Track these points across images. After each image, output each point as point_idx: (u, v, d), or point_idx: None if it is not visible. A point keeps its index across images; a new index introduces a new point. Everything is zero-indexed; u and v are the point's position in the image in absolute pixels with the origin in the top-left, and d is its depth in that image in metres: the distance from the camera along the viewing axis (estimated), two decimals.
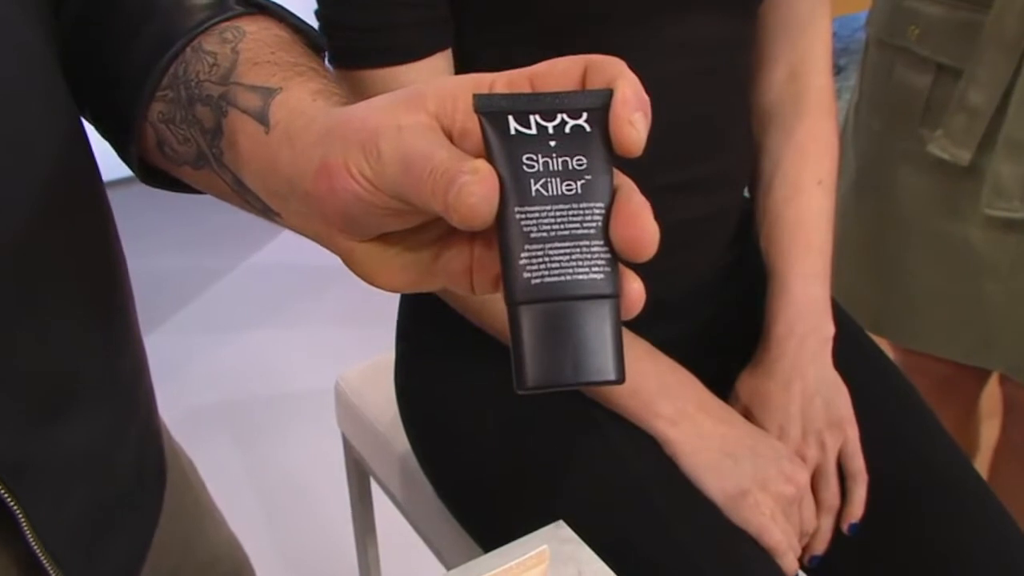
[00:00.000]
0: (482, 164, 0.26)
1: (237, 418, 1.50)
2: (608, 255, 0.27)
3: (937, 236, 0.86)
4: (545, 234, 0.27)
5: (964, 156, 0.80)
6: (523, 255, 0.27)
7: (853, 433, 0.65)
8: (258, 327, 1.70)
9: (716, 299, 0.71)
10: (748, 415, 0.66)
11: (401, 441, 0.77)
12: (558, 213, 0.27)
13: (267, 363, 1.61)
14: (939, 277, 0.88)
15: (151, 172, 0.40)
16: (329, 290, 1.75)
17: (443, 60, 0.57)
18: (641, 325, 0.63)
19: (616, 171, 0.28)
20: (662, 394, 0.61)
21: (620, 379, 0.27)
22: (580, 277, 0.27)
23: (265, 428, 1.48)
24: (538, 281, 0.27)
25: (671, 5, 0.58)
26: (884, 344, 0.97)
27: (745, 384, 0.67)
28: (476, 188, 0.26)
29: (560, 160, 0.27)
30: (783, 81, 0.70)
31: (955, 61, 0.80)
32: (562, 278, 0.27)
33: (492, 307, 0.61)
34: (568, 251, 0.27)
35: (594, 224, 0.27)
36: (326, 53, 0.44)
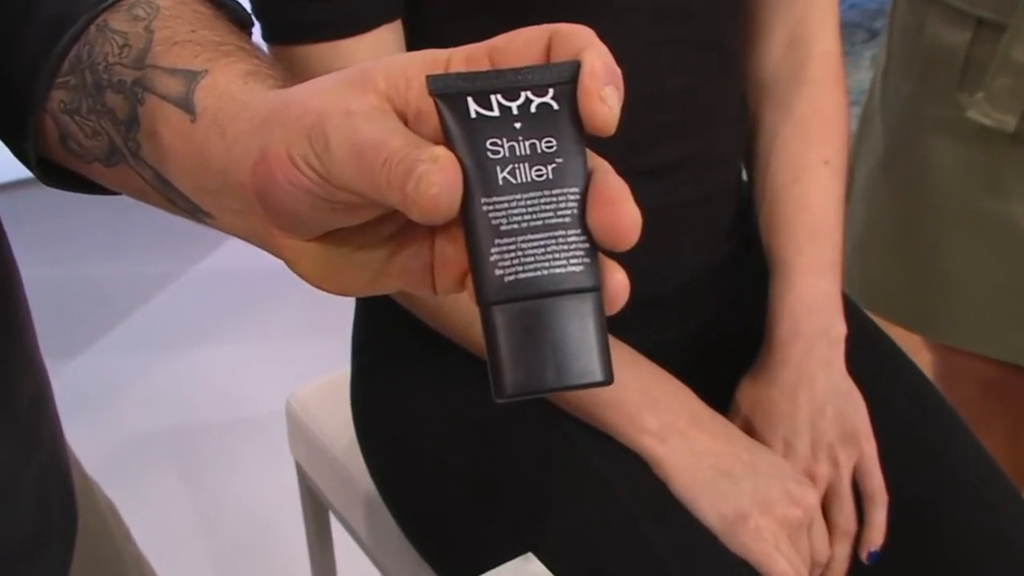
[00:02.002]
0: (442, 151, 0.27)
1: (184, 446, 1.51)
2: (586, 245, 0.28)
3: (979, 217, 0.87)
4: (516, 226, 0.28)
5: (1009, 122, 0.81)
6: (493, 250, 0.28)
7: (870, 448, 0.66)
8: (207, 342, 1.72)
9: (712, 297, 0.72)
10: (750, 429, 0.67)
11: (361, 468, 0.78)
12: (529, 202, 0.28)
13: (218, 383, 1.63)
14: (982, 264, 0.88)
15: (53, 171, 0.40)
16: (288, 298, 1.77)
17: (391, 33, 0.58)
18: (627, 327, 0.64)
19: (590, 152, 0.28)
20: (648, 406, 0.63)
21: (608, 379, 0.28)
22: (557, 271, 0.27)
23: (216, 457, 1.49)
24: (512, 278, 0.27)
25: None
26: (919, 344, 0.98)
27: (746, 394, 0.68)
28: (436, 178, 0.26)
29: (527, 143, 0.28)
30: (781, 48, 0.71)
31: (997, 14, 0.80)
32: (537, 273, 0.27)
33: (451, 307, 0.63)
34: (542, 243, 0.28)
35: (569, 212, 0.28)
36: (256, 29, 0.45)
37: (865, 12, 2.41)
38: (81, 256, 1.92)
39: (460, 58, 0.29)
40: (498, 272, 0.28)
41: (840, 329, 0.68)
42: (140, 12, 0.37)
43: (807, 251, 0.68)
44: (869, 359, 0.70)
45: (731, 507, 0.61)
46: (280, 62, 0.58)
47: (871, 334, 0.73)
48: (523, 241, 0.28)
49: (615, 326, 0.67)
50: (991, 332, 0.90)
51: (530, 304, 0.28)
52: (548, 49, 0.29)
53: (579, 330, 0.28)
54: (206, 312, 1.79)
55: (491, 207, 0.28)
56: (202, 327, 1.75)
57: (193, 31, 0.36)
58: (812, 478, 0.65)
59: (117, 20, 0.37)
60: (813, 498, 0.63)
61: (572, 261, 0.28)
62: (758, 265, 0.71)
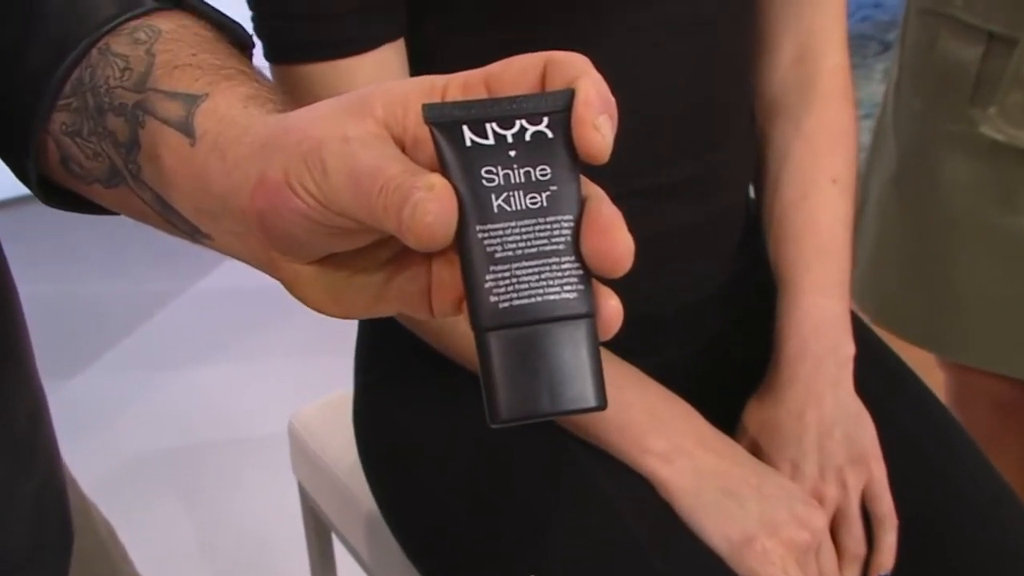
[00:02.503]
0: (437, 179, 0.28)
1: (185, 466, 1.52)
2: (580, 272, 0.29)
3: (992, 232, 0.87)
4: (511, 253, 0.28)
5: (1022, 137, 0.81)
6: (488, 277, 0.28)
7: (879, 470, 0.66)
8: (209, 361, 1.73)
9: (719, 317, 0.73)
10: (756, 450, 0.68)
11: (364, 488, 0.79)
12: (523, 229, 0.29)
13: (219, 402, 1.64)
14: (996, 281, 0.89)
15: (54, 191, 0.41)
16: (289, 316, 1.77)
17: (393, 52, 0.59)
18: (632, 348, 0.65)
19: (584, 180, 0.29)
20: (653, 428, 0.63)
21: (602, 405, 0.29)
22: (551, 297, 0.28)
23: (217, 477, 1.50)
24: (506, 305, 0.28)
25: None
26: (932, 363, 0.98)
27: (753, 414, 0.69)
28: (432, 206, 0.27)
29: (522, 171, 0.29)
30: (789, 63, 0.72)
31: (1009, 29, 0.81)
32: (532, 300, 0.28)
33: (453, 329, 0.64)
34: (537, 270, 0.29)
35: (563, 239, 0.29)
36: (257, 49, 0.47)
37: (877, 24, 2.42)
38: (81, 274, 1.94)
39: (457, 84, 0.30)
40: (493, 299, 0.29)
41: (848, 349, 0.68)
42: (142, 35, 0.38)
43: (815, 270, 0.69)
44: (878, 379, 0.71)
45: (737, 530, 0.61)
46: (282, 82, 0.59)
47: (880, 353, 0.74)
48: (517, 268, 0.29)
49: (620, 347, 0.68)
50: (1005, 350, 0.91)
51: (525, 330, 0.28)
52: (543, 77, 0.30)
53: (573, 356, 0.29)
54: (207, 331, 1.80)
55: (486, 234, 0.29)
56: (203, 346, 1.76)
57: (194, 54, 0.37)
58: (820, 500, 0.65)
59: (119, 43, 0.38)
60: (821, 521, 0.63)
61: (566, 288, 0.29)
62: (766, 283, 0.72)
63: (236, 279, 1.89)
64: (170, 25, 0.38)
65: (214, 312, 1.84)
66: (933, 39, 0.87)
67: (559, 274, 0.29)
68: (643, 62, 0.60)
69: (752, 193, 0.75)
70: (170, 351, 1.76)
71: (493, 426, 0.29)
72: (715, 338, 0.73)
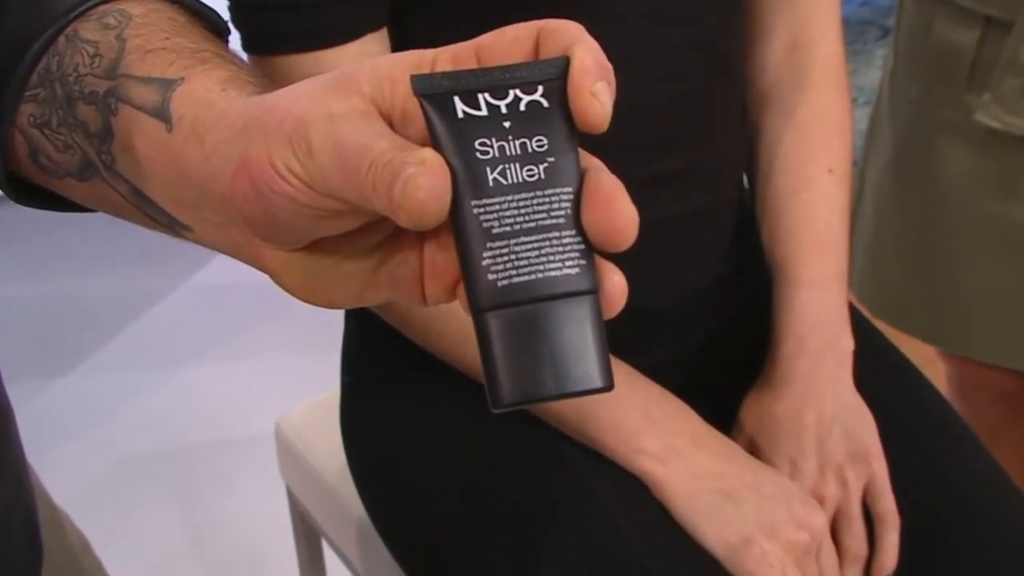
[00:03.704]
0: (429, 153, 0.27)
1: (174, 467, 1.51)
2: (582, 246, 0.27)
3: (992, 222, 0.86)
4: (508, 228, 0.27)
5: (1018, 124, 0.80)
6: (485, 255, 0.27)
7: (880, 467, 0.65)
8: (197, 361, 1.72)
9: (715, 311, 0.72)
10: (754, 448, 0.67)
11: (354, 493, 0.78)
12: (521, 203, 0.27)
13: (209, 402, 1.63)
14: (997, 271, 0.88)
15: (25, 189, 0.39)
16: (280, 315, 1.77)
17: (377, 43, 0.58)
18: (625, 344, 0.64)
19: (582, 151, 0.28)
20: (647, 427, 0.62)
21: (608, 385, 0.28)
22: (552, 274, 0.27)
23: (207, 479, 1.49)
24: (505, 283, 0.27)
25: None
26: (933, 355, 0.97)
27: (750, 412, 0.68)
28: (423, 181, 0.26)
29: (517, 142, 0.28)
30: (782, 53, 0.70)
31: (1006, 12, 0.80)
32: (532, 277, 0.27)
33: (442, 327, 0.62)
34: (536, 245, 0.27)
35: (563, 212, 0.27)
36: (235, 39, 0.45)
37: (877, 10, 2.41)
38: (67, 274, 1.92)
39: (447, 57, 0.29)
40: (491, 277, 0.27)
41: (848, 344, 0.67)
42: (111, 20, 0.36)
43: (811, 263, 0.68)
44: (878, 374, 0.69)
45: (734, 532, 0.60)
46: (261, 74, 0.57)
47: (880, 348, 0.73)
48: (516, 244, 0.27)
49: (615, 344, 0.67)
50: (1008, 342, 0.90)
51: (525, 309, 0.27)
52: (536, 46, 0.28)
53: (577, 335, 0.27)
54: (196, 330, 1.79)
55: (482, 209, 0.27)
56: (192, 345, 1.75)
57: (167, 38, 0.36)
58: (820, 500, 0.64)
59: (87, 29, 0.36)
60: (821, 521, 0.62)
61: (567, 263, 0.27)
62: (763, 277, 0.71)
63: (224, 277, 1.88)
64: (141, 10, 0.37)
65: (203, 311, 1.83)
66: (929, 24, 0.86)
67: (560, 249, 0.27)
68: (630, 53, 0.59)
69: (746, 184, 0.74)
70: (158, 351, 1.75)
71: (495, 411, 0.27)
72: (711, 333, 0.72)
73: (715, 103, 0.67)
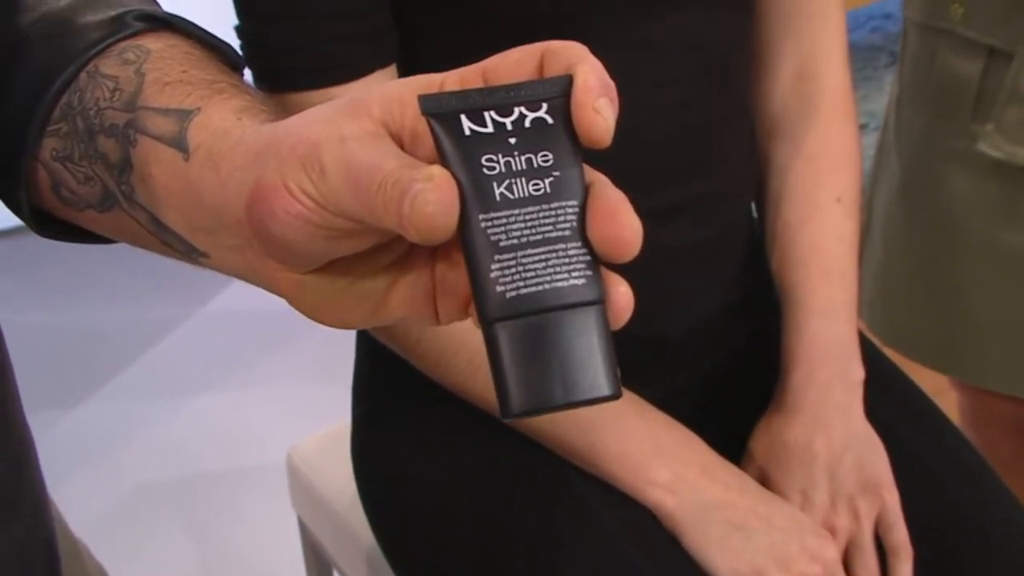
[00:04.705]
0: (437, 170, 0.28)
1: (186, 496, 1.51)
2: (588, 257, 0.28)
3: (998, 250, 0.86)
4: (516, 241, 0.28)
5: (1020, 154, 0.80)
6: (494, 267, 0.28)
7: (892, 498, 0.65)
8: (210, 389, 1.72)
9: (724, 340, 0.72)
10: (765, 478, 0.66)
11: (365, 524, 0.78)
12: (527, 216, 0.28)
13: (221, 431, 1.63)
14: (1005, 299, 0.87)
15: (47, 220, 0.40)
16: (293, 344, 1.78)
17: (386, 78, 0.59)
18: (636, 373, 0.64)
19: (587, 166, 0.29)
20: (656, 457, 0.62)
21: (616, 393, 0.28)
22: (560, 285, 0.28)
23: (219, 507, 1.49)
24: (513, 294, 0.28)
25: (648, 3, 0.60)
26: (946, 384, 0.96)
27: (760, 442, 0.68)
28: (432, 196, 0.27)
29: (523, 158, 0.28)
30: (789, 83, 0.71)
31: (1007, 43, 0.80)
32: (540, 288, 0.28)
33: (451, 359, 0.62)
34: (543, 257, 0.28)
35: (568, 225, 0.28)
36: (246, 73, 0.46)
37: (888, 36, 2.42)
38: (81, 303, 1.94)
39: (454, 80, 0.30)
40: (499, 288, 0.28)
41: (858, 373, 0.67)
42: (130, 56, 0.37)
43: (820, 292, 0.68)
44: (889, 403, 0.69)
45: (746, 564, 0.60)
46: (273, 103, 0.58)
47: (890, 376, 0.73)
48: (523, 256, 0.28)
49: (626, 372, 0.67)
50: (1020, 371, 0.89)
51: (533, 320, 0.28)
52: (541, 67, 0.29)
53: (584, 344, 0.28)
54: (209, 358, 1.80)
55: (489, 223, 0.28)
56: (205, 374, 1.76)
57: (184, 71, 0.37)
58: (832, 531, 0.64)
59: (107, 65, 0.37)
60: (833, 553, 0.62)
61: (574, 274, 0.28)
62: (772, 305, 0.71)
63: (237, 305, 1.89)
64: (159, 45, 0.38)
65: (216, 340, 1.84)
66: (933, 55, 0.87)
67: (566, 261, 0.28)
68: (639, 83, 0.59)
69: (755, 213, 0.74)
70: (171, 379, 1.75)
71: (505, 420, 0.28)
72: (721, 362, 0.72)
73: (725, 132, 0.67)
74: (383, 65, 0.59)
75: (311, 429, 0.92)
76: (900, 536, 0.64)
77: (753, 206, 0.74)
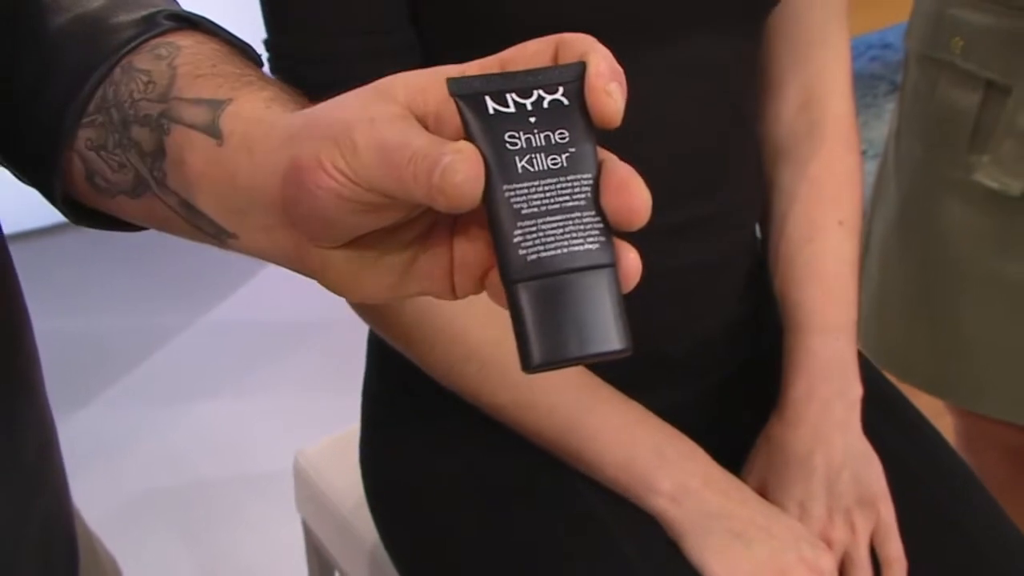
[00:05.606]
0: (465, 144, 0.30)
1: (189, 503, 1.51)
2: (601, 225, 0.31)
3: (995, 278, 0.87)
4: (536, 209, 0.31)
5: (1015, 186, 0.82)
6: (516, 232, 0.31)
7: (888, 512, 0.66)
8: (214, 396, 1.72)
9: (727, 357, 0.73)
10: (764, 490, 0.68)
11: (370, 527, 0.79)
12: (547, 187, 0.31)
13: (224, 438, 1.63)
14: (999, 327, 0.88)
15: (79, 210, 0.43)
16: (300, 350, 1.78)
17: None
18: (641, 386, 0.66)
19: (598, 146, 0.32)
20: (661, 467, 0.63)
21: (627, 347, 0.31)
22: (576, 249, 0.31)
23: (221, 514, 1.49)
24: (534, 257, 0.31)
25: (660, 28, 0.61)
26: (941, 408, 0.98)
27: (760, 455, 0.69)
28: (461, 167, 0.29)
29: (542, 135, 0.31)
30: (795, 109, 0.73)
31: (1005, 77, 0.82)
32: (558, 252, 0.31)
33: (461, 367, 0.64)
34: (561, 224, 0.31)
35: (584, 195, 0.31)
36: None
37: (887, 65, 2.44)
38: (83, 309, 1.94)
39: (474, 69, 0.32)
40: (522, 252, 0.31)
41: (856, 391, 0.69)
42: (162, 52, 0.40)
43: (822, 311, 0.69)
44: (886, 421, 0.71)
45: (746, 572, 0.61)
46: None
47: (888, 395, 0.74)
48: (543, 223, 0.31)
49: (631, 383, 0.68)
50: (1014, 397, 0.90)
51: (552, 280, 0.31)
52: (555, 58, 0.32)
53: (597, 303, 0.31)
54: (212, 365, 1.80)
55: (512, 193, 0.31)
56: (208, 381, 1.76)
57: (214, 65, 0.39)
58: (828, 543, 0.65)
59: (141, 60, 0.40)
60: (830, 563, 0.63)
61: (589, 240, 0.31)
62: (775, 322, 0.72)
63: (240, 314, 1.90)
64: (188, 42, 0.40)
65: (217, 347, 1.84)
66: (932, 86, 0.88)
67: (582, 227, 0.31)
68: (650, 105, 0.61)
69: (759, 233, 0.76)
70: (175, 386, 1.76)
71: (527, 372, 0.30)
72: (725, 377, 0.73)
73: (732, 154, 0.69)
74: None
75: (311, 437, 0.93)
76: (895, 549, 0.65)
77: (757, 227, 0.76)
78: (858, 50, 2.36)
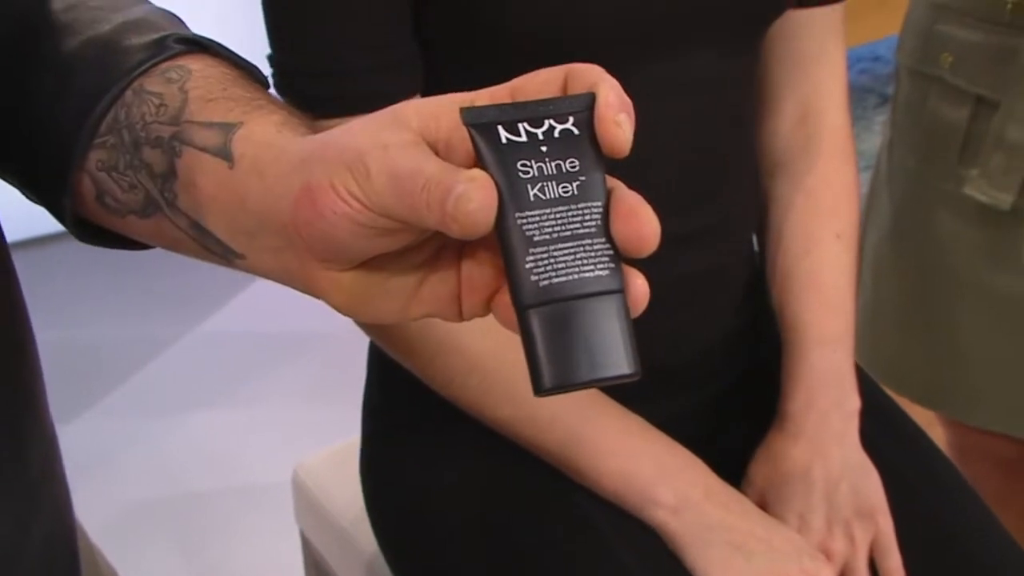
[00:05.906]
0: (478, 172, 0.31)
1: (186, 515, 1.51)
2: (610, 252, 0.32)
3: (986, 290, 0.88)
4: (547, 236, 0.31)
5: (1004, 199, 0.82)
6: (528, 259, 0.31)
7: (886, 524, 0.66)
8: (210, 407, 1.72)
9: (725, 368, 0.74)
10: (764, 502, 0.68)
11: (369, 539, 0.79)
12: (558, 215, 0.32)
13: (221, 449, 1.62)
14: (992, 339, 0.89)
15: (87, 227, 0.43)
16: (293, 362, 1.78)
17: None
18: (641, 398, 0.66)
19: (607, 175, 0.32)
20: (661, 479, 0.64)
21: (635, 372, 0.31)
22: (586, 275, 0.31)
23: (218, 527, 1.48)
24: (546, 283, 0.31)
25: (659, 43, 0.62)
26: (933, 419, 0.98)
27: (760, 467, 0.69)
28: (475, 195, 0.30)
29: (553, 164, 0.32)
30: (793, 123, 0.74)
31: (993, 92, 0.83)
32: (569, 278, 0.31)
33: (462, 379, 0.64)
34: (572, 251, 0.31)
35: (594, 223, 0.32)
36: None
37: (877, 77, 2.46)
38: (77, 319, 1.93)
39: (485, 97, 0.33)
40: (533, 278, 0.31)
41: (854, 403, 0.69)
42: (173, 75, 0.40)
43: (819, 323, 0.70)
44: (883, 433, 0.71)
45: None
46: None
47: (885, 408, 0.75)
48: (554, 249, 0.31)
49: (630, 394, 0.69)
50: (1006, 409, 0.90)
51: (562, 306, 0.31)
52: (564, 87, 0.33)
53: (607, 328, 0.31)
54: (209, 376, 1.80)
55: (524, 220, 0.32)
56: (205, 391, 1.75)
57: (224, 89, 0.40)
58: (827, 554, 0.65)
59: (152, 83, 0.40)
60: (829, 575, 0.63)
61: (599, 266, 0.31)
62: (773, 334, 0.73)
63: (234, 325, 1.89)
64: (198, 65, 0.41)
65: (216, 357, 1.84)
66: (923, 100, 0.89)
67: (592, 254, 0.31)
68: (647, 118, 0.62)
69: (756, 246, 0.76)
70: (170, 396, 1.75)
71: (537, 395, 0.31)
72: (724, 388, 0.73)
73: (730, 167, 0.69)
74: (410, 94, 0.61)
75: (309, 448, 0.93)
76: (894, 561, 0.66)
77: (754, 239, 0.76)
78: (848, 63, 2.37)
